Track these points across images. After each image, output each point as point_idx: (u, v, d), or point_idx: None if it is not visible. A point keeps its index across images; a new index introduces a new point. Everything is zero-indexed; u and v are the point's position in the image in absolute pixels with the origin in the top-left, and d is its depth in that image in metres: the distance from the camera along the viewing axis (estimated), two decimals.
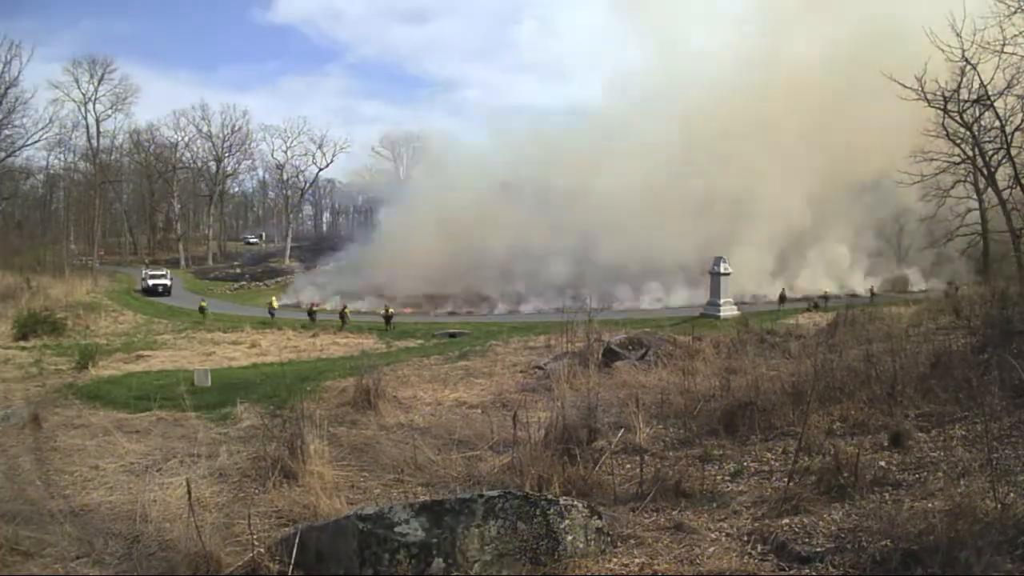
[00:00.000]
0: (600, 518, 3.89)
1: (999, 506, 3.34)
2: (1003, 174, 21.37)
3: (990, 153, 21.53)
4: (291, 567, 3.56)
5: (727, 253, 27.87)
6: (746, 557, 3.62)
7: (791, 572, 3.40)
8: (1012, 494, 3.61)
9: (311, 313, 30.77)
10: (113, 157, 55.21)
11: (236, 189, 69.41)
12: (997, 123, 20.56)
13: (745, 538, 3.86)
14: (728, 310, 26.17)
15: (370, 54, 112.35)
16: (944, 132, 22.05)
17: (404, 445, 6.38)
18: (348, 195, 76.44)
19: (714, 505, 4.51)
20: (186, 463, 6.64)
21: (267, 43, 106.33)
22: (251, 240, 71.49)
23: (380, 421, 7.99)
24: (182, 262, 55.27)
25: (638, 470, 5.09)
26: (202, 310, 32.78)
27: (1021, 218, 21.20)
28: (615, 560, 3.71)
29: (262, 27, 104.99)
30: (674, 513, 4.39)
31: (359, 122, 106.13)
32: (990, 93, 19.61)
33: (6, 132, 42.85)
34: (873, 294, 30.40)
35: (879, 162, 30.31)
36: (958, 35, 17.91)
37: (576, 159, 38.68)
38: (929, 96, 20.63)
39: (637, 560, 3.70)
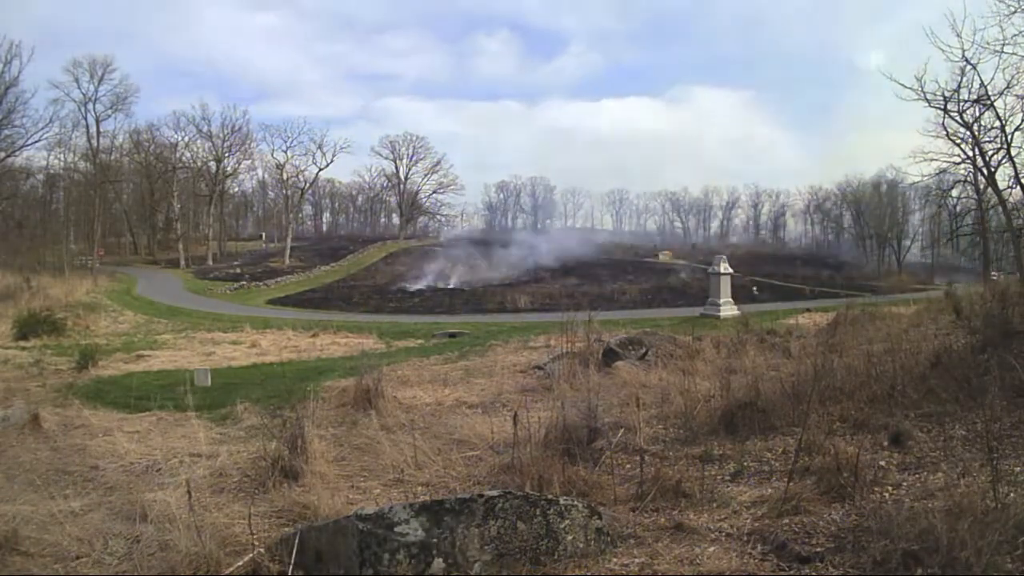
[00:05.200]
0: (600, 518, 3.89)
1: (999, 506, 3.34)
2: (1003, 174, 21.46)
3: (990, 153, 21.59)
4: (291, 567, 3.56)
5: None
6: (746, 557, 3.62)
7: (791, 572, 3.40)
8: (1012, 494, 3.61)
9: None
10: (113, 157, 55.26)
11: (236, 189, 69.50)
12: (997, 123, 20.63)
13: (745, 538, 3.86)
14: (728, 310, 26.12)
15: None
16: (944, 132, 22.13)
17: (404, 445, 6.38)
18: None
19: (714, 505, 4.51)
20: (186, 463, 6.63)
21: None
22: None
23: (380, 421, 7.97)
24: (182, 262, 55.30)
25: (638, 470, 5.09)
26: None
27: (1021, 218, 21.24)
28: (615, 560, 3.71)
29: None
30: (674, 513, 4.39)
31: None
32: (990, 93, 19.70)
33: (6, 132, 42.93)
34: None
35: None
36: (958, 35, 18.00)
37: None
38: (929, 96, 20.71)
39: (637, 560, 3.70)
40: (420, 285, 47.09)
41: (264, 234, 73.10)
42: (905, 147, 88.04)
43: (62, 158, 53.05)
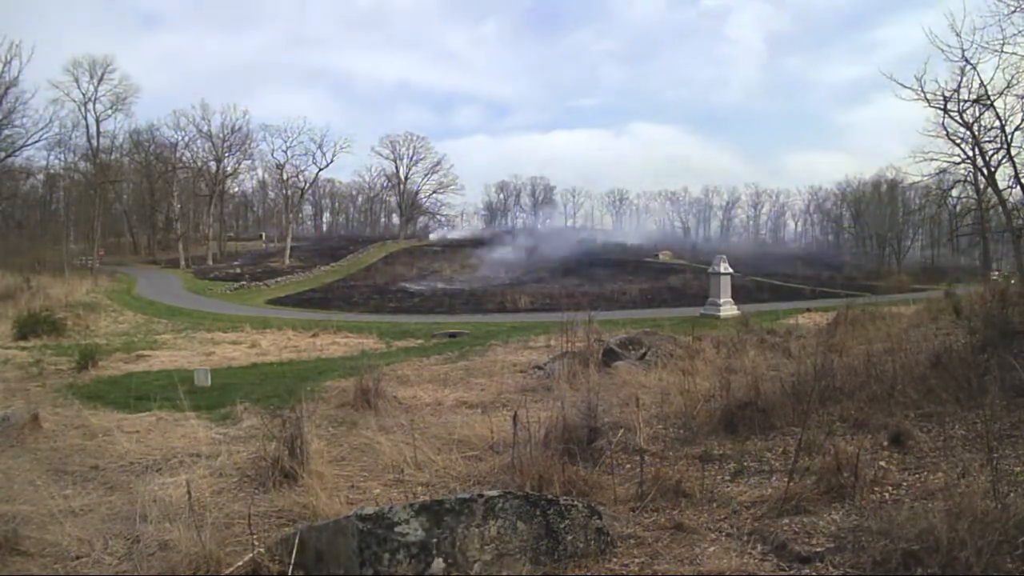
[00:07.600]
0: (600, 518, 3.89)
1: (999, 506, 3.34)
2: (1003, 174, 21.48)
3: (990, 153, 21.60)
4: (291, 567, 3.56)
5: None
6: (746, 557, 3.62)
7: (791, 572, 3.40)
8: (1012, 494, 3.62)
9: None
10: (113, 157, 55.19)
11: (236, 189, 69.51)
12: (997, 123, 20.64)
13: (745, 538, 3.86)
14: (728, 310, 26.12)
15: None
16: (944, 132, 22.15)
17: (404, 445, 6.38)
18: None
19: (714, 505, 4.51)
20: (186, 463, 6.63)
21: None
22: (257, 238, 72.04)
23: (380, 421, 7.97)
24: (182, 262, 55.28)
25: (638, 470, 5.09)
26: None
27: (1021, 218, 21.24)
28: (615, 560, 3.71)
29: None
30: (674, 513, 4.40)
31: None
32: (990, 93, 19.70)
33: (6, 132, 42.96)
34: None
35: None
36: (958, 35, 18.03)
37: None
38: (929, 96, 20.73)
39: (637, 560, 3.70)
40: (420, 285, 47.12)
41: (264, 234, 73.14)
42: (800, 158, 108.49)
43: (62, 158, 53.09)
